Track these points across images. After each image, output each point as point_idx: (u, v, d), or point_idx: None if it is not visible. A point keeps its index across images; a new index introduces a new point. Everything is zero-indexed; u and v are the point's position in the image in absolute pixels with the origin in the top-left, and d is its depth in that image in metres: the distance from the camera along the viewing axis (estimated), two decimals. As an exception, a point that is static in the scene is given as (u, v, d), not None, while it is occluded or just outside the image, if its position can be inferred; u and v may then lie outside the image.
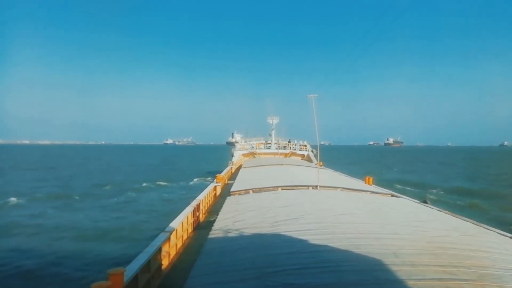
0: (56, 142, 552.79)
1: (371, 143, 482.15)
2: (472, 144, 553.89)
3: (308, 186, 14.52)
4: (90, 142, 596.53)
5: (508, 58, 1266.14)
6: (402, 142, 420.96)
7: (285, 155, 43.83)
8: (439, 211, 11.23)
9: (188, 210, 13.29)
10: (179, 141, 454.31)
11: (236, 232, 8.05)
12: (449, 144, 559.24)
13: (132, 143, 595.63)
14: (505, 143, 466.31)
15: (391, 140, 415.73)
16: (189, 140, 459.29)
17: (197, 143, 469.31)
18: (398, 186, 40.96)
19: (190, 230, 13.02)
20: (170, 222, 11.22)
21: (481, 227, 8.86)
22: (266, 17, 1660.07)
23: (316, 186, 14.14)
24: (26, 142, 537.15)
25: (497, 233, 8.34)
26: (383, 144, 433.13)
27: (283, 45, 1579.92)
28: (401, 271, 5.17)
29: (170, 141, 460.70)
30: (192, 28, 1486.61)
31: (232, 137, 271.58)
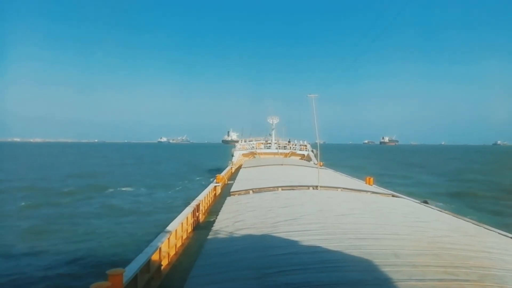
0: (48, 140, 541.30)
1: (366, 141, 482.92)
2: (465, 143, 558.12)
3: (308, 186, 14.52)
4: (83, 140, 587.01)
5: (503, 58, 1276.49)
6: (397, 141, 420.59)
7: (285, 155, 43.79)
8: (440, 211, 11.32)
9: (188, 210, 13.23)
10: (173, 139, 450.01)
11: (236, 232, 8.02)
12: (443, 143, 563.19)
13: (126, 141, 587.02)
14: (498, 142, 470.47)
15: (386, 139, 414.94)
16: (183, 138, 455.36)
17: (191, 141, 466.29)
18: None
19: (189, 230, 12.98)
20: (170, 222, 11.16)
21: (481, 228, 8.93)
22: (264, 14, 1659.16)
23: (317, 186, 14.14)
24: (17, 139, 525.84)
25: (498, 233, 8.41)
26: (378, 142, 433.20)
27: (280, 43, 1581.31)
28: (401, 271, 5.17)
29: (164, 139, 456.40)
30: (189, 25, 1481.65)
31: (228, 135, 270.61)
